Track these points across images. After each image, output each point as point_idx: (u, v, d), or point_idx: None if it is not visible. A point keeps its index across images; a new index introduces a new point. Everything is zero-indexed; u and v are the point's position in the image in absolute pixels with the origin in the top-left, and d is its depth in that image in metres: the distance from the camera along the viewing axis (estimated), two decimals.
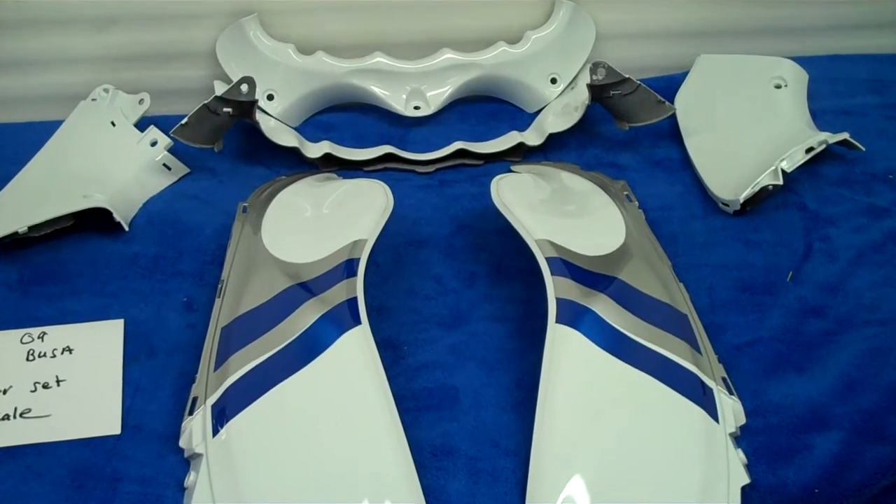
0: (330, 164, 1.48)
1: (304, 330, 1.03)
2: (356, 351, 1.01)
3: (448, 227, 1.36)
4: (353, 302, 1.04)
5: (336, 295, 1.06)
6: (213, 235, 1.31)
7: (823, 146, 1.35)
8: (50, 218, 1.25)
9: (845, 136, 1.38)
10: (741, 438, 1.03)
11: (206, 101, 1.37)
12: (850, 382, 1.10)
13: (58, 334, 1.16)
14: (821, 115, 1.52)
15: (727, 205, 1.35)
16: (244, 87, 1.38)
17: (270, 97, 1.56)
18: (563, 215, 1.21)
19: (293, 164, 1.48)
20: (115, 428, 1.05)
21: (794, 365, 1.13)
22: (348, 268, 1.08)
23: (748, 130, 1.46)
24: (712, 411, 1.01)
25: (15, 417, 1.06)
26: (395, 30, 1.61)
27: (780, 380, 1.11)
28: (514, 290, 1.24)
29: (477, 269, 1.28)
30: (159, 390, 1.10)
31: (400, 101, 1.57)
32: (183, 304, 1.22)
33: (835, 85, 1.64)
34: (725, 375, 1.08)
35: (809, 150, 1.33)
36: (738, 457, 0.98)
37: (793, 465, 1.01)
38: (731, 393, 1.05)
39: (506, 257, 1.29)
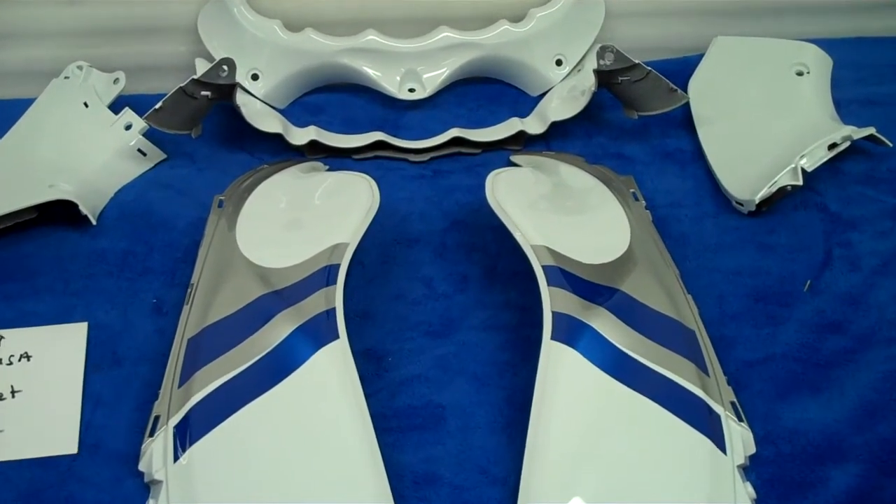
0: (317, 152, 1.40)
1: (276, 344, 0.97)
2: (332, 369, 0.95)
3: (441, 223, 1.29)
4: (331, 313, 0.98)
5: (313, 305, 0.99)
6: (188, 229, 1.25)
7: (848, 143, 1.27)
8: (11, 211, 1.18)
9: (871, 130, 1.30)
10: (750, 469, 0.97)
11: (182, 84, 1.30)
12: (871, 408, 1.04)
13: (16, 339, 1.10)
14: (845, 105, 1.44)
15: (741, 204, 1.28)
16: (224, 69, 1.32)
17: (255, 77, 1.48)
18: (563, 217, 1.14)
19: (278, 150, 1.40)
20: (71, 447, 1.00)
21: (809, 386, 1.07)
22: (327, 275, 1.02)
23: (766, 121, 1.39)
24: (719, 440, 0.95)
25: None
26: (389, 6, 1.54)
27: (794, 403, 1.05)
28: (509, 296, 1.18)
29: (470, 270, 1.22)
30: (121, 404, 1.04)
31: (394, 83, 1.49)
32: (152, 306, 1.16)
33: (860, 71, 1.56)
34: (734, 399, 1.01)
35: (832, 146, 1.26)
36: (745, 491, 0.93)
37: (806, 500, 0.96)
38: (740, 419, 0.99)
39: (501, 257, 1.23)
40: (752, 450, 0.97)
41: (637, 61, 1.34)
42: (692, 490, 0.90)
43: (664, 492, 0.90)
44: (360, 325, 1.10)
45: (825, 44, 1.51)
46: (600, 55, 1.34)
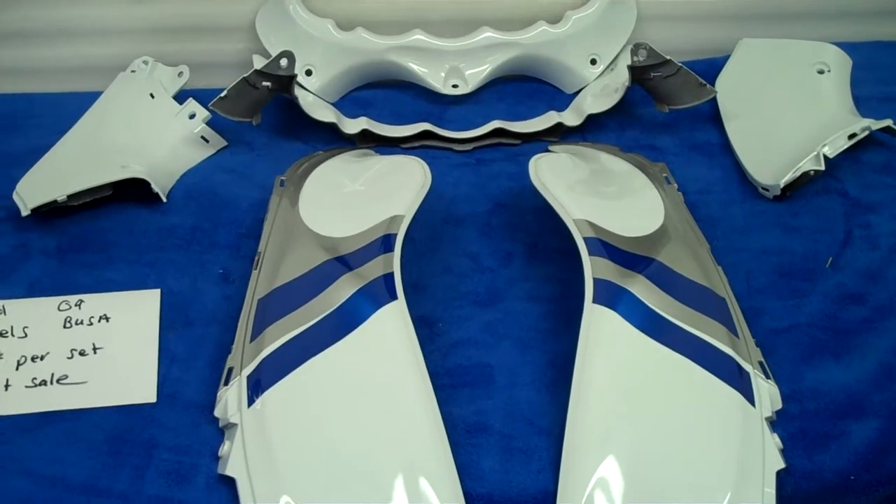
0: (367, 141, 1.47)
1: (340, 304, 1.04)
2: (392, 326, 1.01)
3: (485, 205, 1.35)
4: (389, 277, 1.04)
5: (372, 270, 1.06)
6: (250, 209, 1.32)
7: (866, 132, 1.33)
8: (89, 187, 1.25)
9: (888, 122, 1.36)
10: (777, 423, 1.02)
11: (245, 75, 1.37)
12: (889, 370, 1.09)
13: (95, 302, 1.17)
14: (864, 102, 1.50)
15: (767, 189, 1.34)
16: (283, 62, 1.38)
17: (309, 72, 1.55)
18: (601, 196, 1.20)
19: (330, 140, 1.47)
20: (150, 396, 1.06)
21: (831, 351, 1.12)
22: (385, 243, 1.08)
23: (790, 115, 1.44)
24: (748, 395, 1.01)
25: (52, 383, 1.07)
26: (434, 7, 1.59)
27: (818, 366, 1.10)
28: (550, 270, 1.23)
29: (513, 247, 1.28)
30: (195, 360, 1.11)
31: (438, 79, 1.56)
32: (219, 275, 1.22)
33: (879, 72, 1.61)
34: (762, 360, 1.07)
35: (852, 136, 1.32)
36: (773, 441, 0.98)
37: (829, 451, 1.01)
38: (767, 377, 1.05)
39: (542, 237, 1.28)
40: (779, 405, 1.03)
41: (668, 57, 1.39)
42: (724, 438, 0.96)
43: (699, 440, 0.96)
44: (412, 295, 1.12)
45: (846, 47, 1.56)
46: (634, 52, 1.40)
